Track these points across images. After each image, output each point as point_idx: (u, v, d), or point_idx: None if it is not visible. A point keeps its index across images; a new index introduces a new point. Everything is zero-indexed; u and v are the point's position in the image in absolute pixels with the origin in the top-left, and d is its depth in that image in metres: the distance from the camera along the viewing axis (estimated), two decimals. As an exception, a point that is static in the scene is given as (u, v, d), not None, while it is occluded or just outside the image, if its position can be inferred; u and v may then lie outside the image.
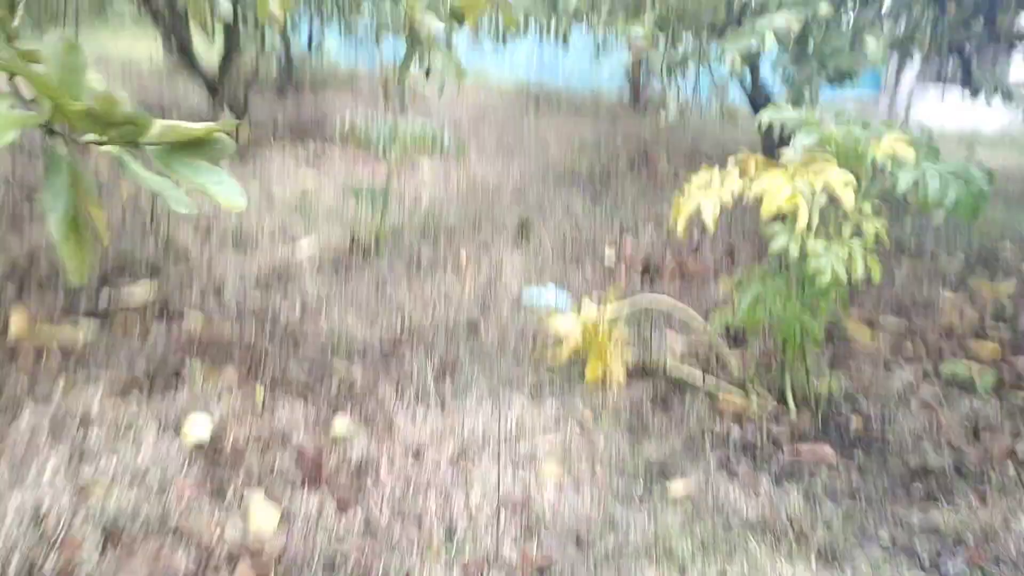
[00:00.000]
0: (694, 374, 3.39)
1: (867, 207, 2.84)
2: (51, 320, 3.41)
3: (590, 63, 12.87)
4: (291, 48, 10.52)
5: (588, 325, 3.33)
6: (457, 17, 2.99)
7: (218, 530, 2.22)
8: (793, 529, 2.48)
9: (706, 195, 2.92)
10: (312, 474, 2.54)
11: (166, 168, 1.47)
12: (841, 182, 2.71)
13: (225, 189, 1.50)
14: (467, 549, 2.29)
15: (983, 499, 2.66)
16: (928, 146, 2.95)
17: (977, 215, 2.69)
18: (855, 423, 3.12)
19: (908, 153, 2.82)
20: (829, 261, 2.68)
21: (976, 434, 3.09)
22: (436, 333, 3.71)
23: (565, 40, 9.42)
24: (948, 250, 5.54)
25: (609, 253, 5.05)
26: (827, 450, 2.92)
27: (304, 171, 6.52)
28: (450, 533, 2.35)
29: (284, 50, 10.39)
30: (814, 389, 3.17)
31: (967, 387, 3.43)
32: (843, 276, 2.69)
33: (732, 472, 2.79)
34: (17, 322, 3.33)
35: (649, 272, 4.77)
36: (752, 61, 5.05)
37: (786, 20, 3.44)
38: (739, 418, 3.13)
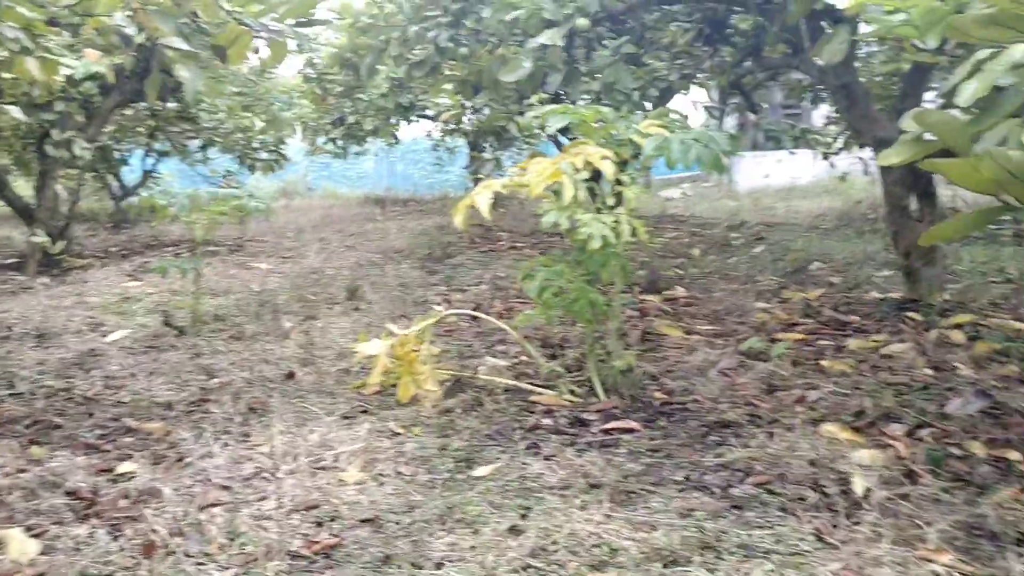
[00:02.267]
0: (505, 380, 3.40)
1: (627, 178, 2.99)
2: None
3: (436, 170, 13.31)
4: (122, 181, 10.40)
5: (396, 346, 3.32)
6: (219, 54, 3.04)
7: (-37, 565, 2.02)
8: (590, 484, 2.47)
9: (480, 191, 3.01)
10: (83, 509, 2.37)
11: None
12: (598, 156, 2.87)
13: None
14: (250, 547, 2.16)
15: (771, 436, 2.73)
16: (680, 125, 3.16)
17: (721, 169, 2.88)
18: (660, 397, 3.18)
19: (661, 131, 3.03)
20: (597, 228, 2.79)
21: (770, 390, 3.21)
22: (249, 385, 3.60)
23: (396, 140, 9.75)
24: (767, 273, 5.87)
25: (438, 308, 5.08)
26: (632, 423, 2.96)
27: (126, 282, 6.34)
28: (234, 536, 2.22)
29: (116, 184, 10.26)
30: (617, 369, 3.23)
31: (763, 358, 3.58)
32: (612, 240, 2.80)
33: (538, 453, 2.77)
34: None
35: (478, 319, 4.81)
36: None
37: (550, 37, 3.67)
38: (550, 412, 3.15)
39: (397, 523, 2.30)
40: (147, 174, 10.65)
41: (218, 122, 8.00)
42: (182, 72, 3.16)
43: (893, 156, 1.74)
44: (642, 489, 2.44)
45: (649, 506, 2.33)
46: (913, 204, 4.50)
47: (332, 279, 6.16)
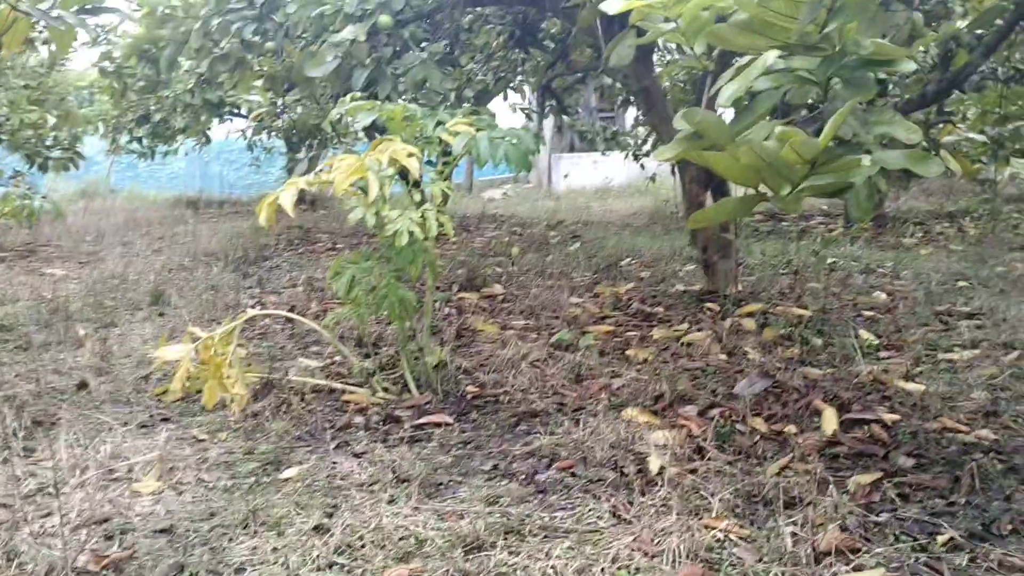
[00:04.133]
0: (317, 381, 3.35)
1: (435, 175, 3.02)
2: None
3: (254, 171, 12.85)
4: None
5: (201, 350, 3.18)
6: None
7: None
8: (398, 478, 2.48)
9: (286, 188, 2.95)
10: None
11: None
12: (404, 153, 2.88)
13: None
14: (28, 567, 2.01)
15: (577, 423, 2.85)
16: (488, 124, 3.23)
17: (528, 167, 2.98)
18: (472, 390, 3.24)
19: (468, 129, 3.08)
20: (404, 224, 2.80)
21: (578, 379, 3.34)
22: (35, 398, 3.34)
23: (207, 140, 9.32)
24: (581, 270, 6.08)
25: (251, 311, 4.92)
26: (445, 417, 3.00)
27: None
28: (13, 556, 2.05)
29: None
30: (429, 365, 3.25)
31: (572, 349, 3.72)
32: (420, 235, 2.82)
33: (349, 451, 2.75)
34: None
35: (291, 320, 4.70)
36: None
37: (353, 32, 3.65)
38: (363, 410, 3.13)
39: (195, 531, 2.21)
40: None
41: (2, 117, 7.34)
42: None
43: (667, 152, 1.86)
44: (451, 480, 2.48)
45: (457, 496, 2.37)
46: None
47: (135, 284, 5.83)
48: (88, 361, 3.87)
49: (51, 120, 7.82)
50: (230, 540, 2.14)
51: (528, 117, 8.51)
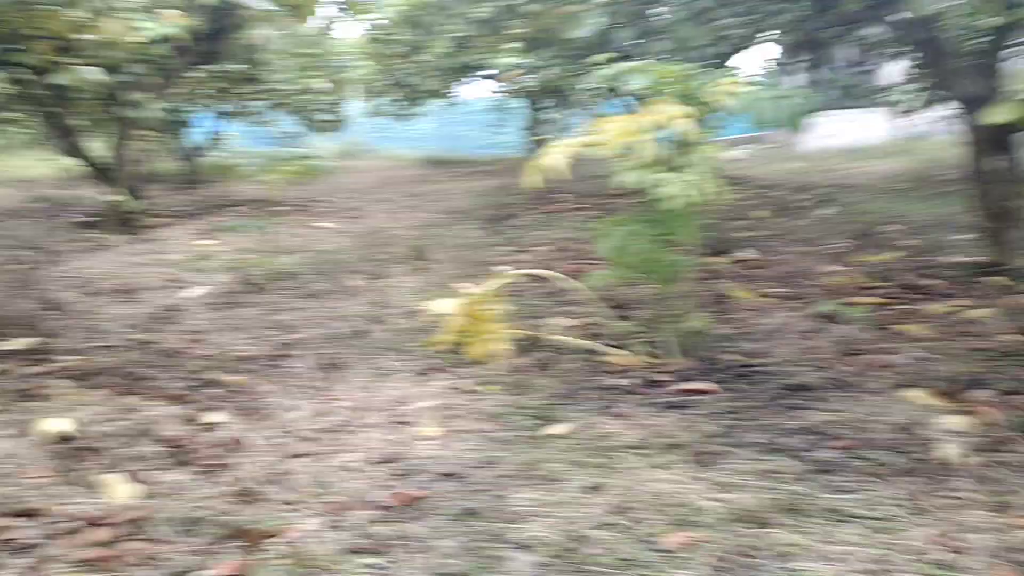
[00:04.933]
0: (578, 340, 3.41)
1: (707, 136, 2.95)
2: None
3: (492, 131, 13.25)
4: (190, 142, 10.59)
5: (468, 305, 3.35)
6: (294, 12, 3.05)
7: (69, 506, 2.12)
8: (668, 444, 2.47)
9: (556, 150, 3.00)
10: (178, 455, 2.46)
11: None
12: (680, 114, 2.82)
13: None
14: (335, 496, 2.22)
15: (854, 401, 2.70)
16: (764, 84, 3.10)
17: (798, 126, 2.83)
18: (735, 359, 3.16)
19: (739, 89, 2.97)
20: (677, 187, 2.76)
21: (849, 354, 3.16)
22: (322, 342, 3.68)
23: (455, 101, 9.68)
24: (837, 236, 5.74)
25: (503, 268, 5.10)
26: (707, 385, 2.95)
27: (199, 240, 6.48)
28: (320, 486, 2.28)
29: (185, 144, 10.45)
30: (690, 331, 3.21)
31: (837, 320, 3.52)
32: (694, 198, 2.77)
33: (612, 412, 2.79)
34: None
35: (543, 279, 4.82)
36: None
37: None
38: (623, 372, 3.15)
39: (478, 478, 2.34)
40: (214, 135, 10.82)
41: (284, 83, 8.07)
42: (262, 30, 3.19)
43: (999, 113, 1.68)
44: (722, 450, 2.44)
45: (730, 467, 2.33)
46: (995, 165, 4.35)
47: (396, 239, 6.22)
48: (364, 310, 4.19)
49: (322, 85, 8.50)
50: (511, 490, 2.24)
51: (781, 72, 8.08)
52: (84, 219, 7.67)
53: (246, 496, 2.21)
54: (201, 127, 10.93)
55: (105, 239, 6.54)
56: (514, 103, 11.45)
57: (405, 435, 2.64)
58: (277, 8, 3.00)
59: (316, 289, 4.66)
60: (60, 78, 5.44)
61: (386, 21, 6.91)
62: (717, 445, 2.47)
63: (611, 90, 5.38)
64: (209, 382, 3.17)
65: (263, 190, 9.29)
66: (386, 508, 2.16)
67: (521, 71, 6.09)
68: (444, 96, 10.51)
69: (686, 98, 2.98)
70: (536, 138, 10.90)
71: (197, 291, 4.64)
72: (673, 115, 2.83)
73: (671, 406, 2.79)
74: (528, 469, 2.35)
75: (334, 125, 9.07)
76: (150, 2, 4.68)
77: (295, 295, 4.55)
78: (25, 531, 1.98)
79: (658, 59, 4.17)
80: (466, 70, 8.94)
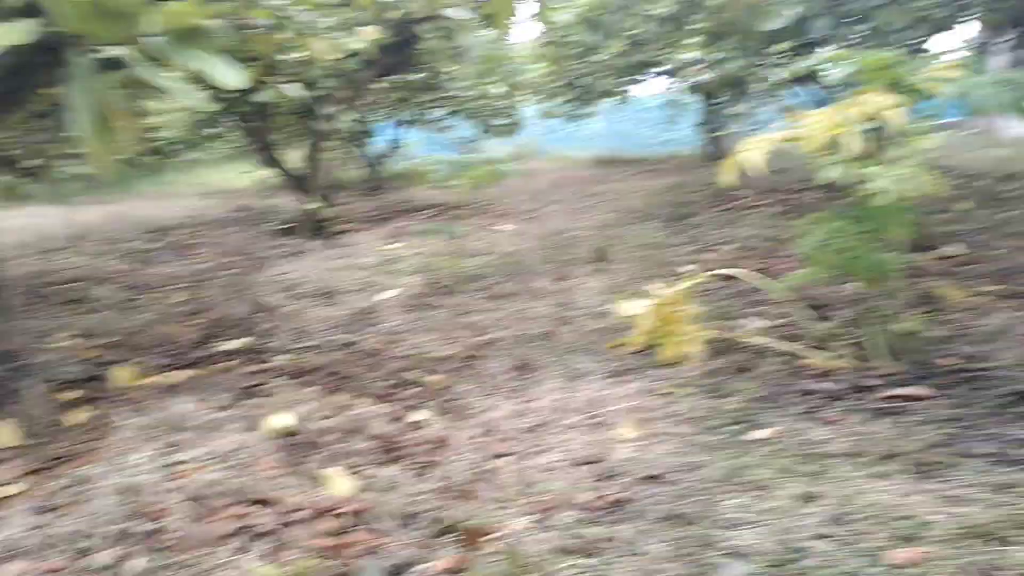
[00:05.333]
0: (774, 342, 3.29)
1: (920, 128, 2.77)
2: (152, 373, 3.62)
3: (664, 128, 13.06)
4: (373, 150, 11.12)
5: (660, 306, 3.32)
6: (489, 20, 3.13)
7: (298, 497, 2.27)
8: (885, 453, 2.34)
9: (751, 148, 2.92)
10: (389, 452, 2.58)
11: (168, 57, 1.59)
12: (889, 105, 2.67)
13: (223, 71, 1.61)
14: (543, 496, 2.26)
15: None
16: (973, 68, 2.88)
17: (1021, 112, 2.61)
18: (948, 362, 2.95)
19: (954, 74, 2.78)
20: (889, 182, 2.62)
21: (1087, 359, 2.88)
22: (513, 343, 3.75)
23: (628, 100, 9.61)
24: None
25: (688, 269, 5.02)
26: (921, 390, 2.77)
27: (387, 244, 6.78)
28: (526, 485, 2.33)
29: (369, 153, 10.99)
30: (898, 333, 3.03)
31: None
32: (905, 193, 2.61)
33: (819, 418, 2.67)
34: (122, 374, 3.56)
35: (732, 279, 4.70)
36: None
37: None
38: (825, 375, 3.02)
39: (681, 482, 2.31)
40: (394, 143, 11.31)
41: (462, 90, 8.33)
42: (464, 40, 3.30)
43: None
44: (946, 461, 2.28)
45: (957, 479, 2.17)
46: None
47: (575, 240, 6.25)
48: (550, 311, 4.24)
49: (498, 90, 8.70)
50: (718, 495, 2.20)
51: (982, 53, 7.49)
52: (282, 226, 8.22)
53: (456, 493, 2.29)
54: (383, 135, 11.46)
55: (302, 245, 6.98)
56: (688, 99, 11.25)
57: (603, 436, 2.64)
58: (474, 17, 3.10)
59: (502, 291, 4.76)
60: (263, 95, 5.86)
61: (562, 23, 6.97)
62: (940, 455, 2.31)
63: (805, 80, 5.19)
64: (410, 382, 3.31)
65: (443, 194, 9.61)
66: (592, 509, 2.17)
67: (701, 66, 5.97)
68: (617, 95, 10.46)
69: (895, 86, 2.82)
70: (713, 134, 10.65)
71: (389, 294, 4.86)
72: (882, 105, 2.68)
73: (883, 412, 2.65)
74: (734, 475, 2.30)
75: (510, 129, 9.26)
76: (346, 19, 4.95)
77: (483, 297, 4.67)
78: (262, 518, 2.14)
79: (854, 46, 3.97)
80: (640, 68, 8.87)
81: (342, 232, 7.53)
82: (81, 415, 3.08)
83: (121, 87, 1.63)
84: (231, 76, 1.61)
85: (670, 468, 2.38)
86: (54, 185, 9.16)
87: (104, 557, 1.96)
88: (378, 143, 11.57)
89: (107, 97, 1.57)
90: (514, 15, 3.22)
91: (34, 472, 2.56)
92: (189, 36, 1.60)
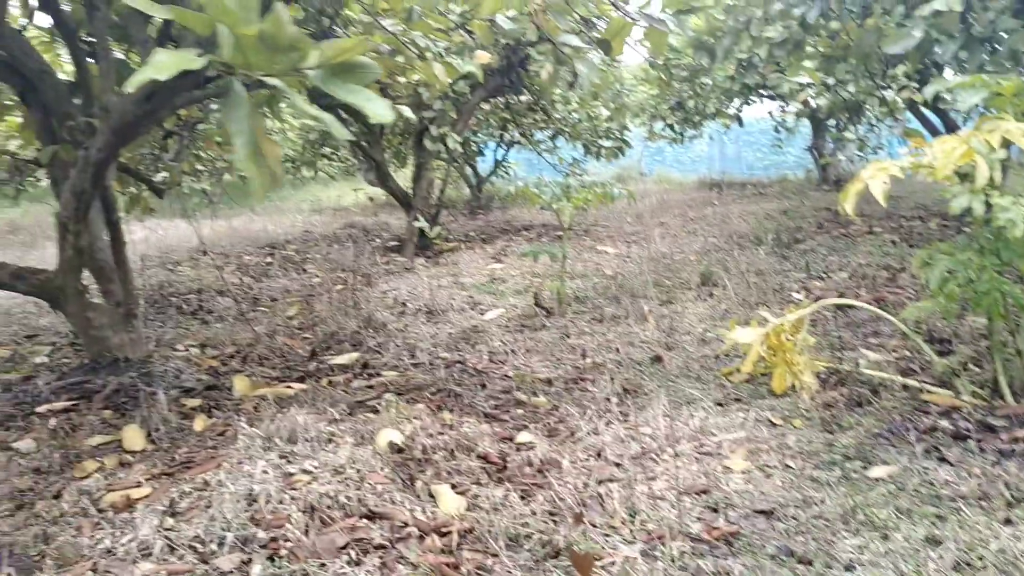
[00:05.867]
0: (893, 376, 3.18)
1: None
2: (267, 384, 3.76)
3: (773, 152, 12.82)
4: (477, 171, 11.30)
5: (771, 335, 3.24)
6: (604, 47, 3.16)
7: (408, 512, 2.32)
8: (1014, 497, 2.23)
9: (874, 175, 2.83)
10: (495, 472, 2.61)
11: (326, 89, 1.67)
12: (1020, 133, 2.56)
13: (375, 106, 1.68)
14: (650, 524, 2.24)
15: None
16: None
17: None
18: (1088, 405, 2.79)
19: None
20: (1019, 212, 2.50)
21: None
22: (618, 367, 3.74)
23: (739, 123, 9.48)
24: None
25: (798, 296, 4.90)
26: (1055, 433, 2.62)
27: (491, 264, 6.87)
28: (633, 512, 2.31)
29: (472, 173, 11.17)
30: (1029, 372, 2.88)
31: None
32: (1038, 227, 2.49)
33: (940, 458, 2.56)
34: (240, 385, 3.72)
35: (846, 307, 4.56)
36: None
37: (946, 3, 3.31)
38: (946, 413, 2.89)
39: (794, 517, 2.25)
40: (498, 163, 11.46)
41: (569, 112, 8.39)
42: (579, 66, 3.34)
43: None
44: (1081, 509, 2.15)
45: (1099, 529, 2.05)
46: None
47: (681, 264, 6.19)
48: (655, 336, 4.21)
49: (605, 112, 8.73)
50: (833, 534, 2.13)
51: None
52: (389, 244, 8.44)
53: (563, 517, 2.29)
54: (487, 156, 11.63)
55: (409, 262, 7.15)
56: (798, 122, 11.01)
57: (711, 467, 2.60)
58: (588, 45, 3.14)
59: (606, 314, 4.75)
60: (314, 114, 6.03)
61: (672, 46, 6.95)
62: (1075, 504, 2.18)
63: (925, 105, 5.00)
64: (515, 402, 3.34)
65: (546, 215, 9.66)
66: (702, 541, 2.14)
67: (814, 90, 5.85)
68: (725, 117, 10.33)
69: (1027, 113, 2.69)
70: (823, 159, 10.38)
71: (494, 313, 4.92)
72: (1013, 134, 2.56)
73: (1011, 454, 2.51)
74: (851, 513, 2.22)
75: (614, 151, 9.28)
76: (459, 44, 5.06)
77: (586, 319, 4.67)
78: (374, 532, 2.19)
79: (978, 70, 3.82)
80: (750, 91, 8.73)
81: (447, 251, 7.68)
82: (201, 422, 3.22)
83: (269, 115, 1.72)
84: (381, 110, 1.67)
85: (783, 503, 2.32)
86: (176, 200, 9.65)
87: (226, 562, 2.04)
88: (482, 164, 11.75)
89: (259, 124, 1.66)
90: (624, 43, 3.23)
91: (159, 476, 2.69)
92: (345, 70, 1.68)
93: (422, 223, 7.28)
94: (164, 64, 1.46)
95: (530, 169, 13.31)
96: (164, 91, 3.14)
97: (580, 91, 5.18)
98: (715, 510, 2.32)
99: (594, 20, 3.62)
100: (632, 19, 3.12)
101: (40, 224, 10.86)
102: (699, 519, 2.27)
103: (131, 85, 1.44)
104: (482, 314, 4.95)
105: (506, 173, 11.90)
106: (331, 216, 11.44)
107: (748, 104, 10.15)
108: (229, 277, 6.88)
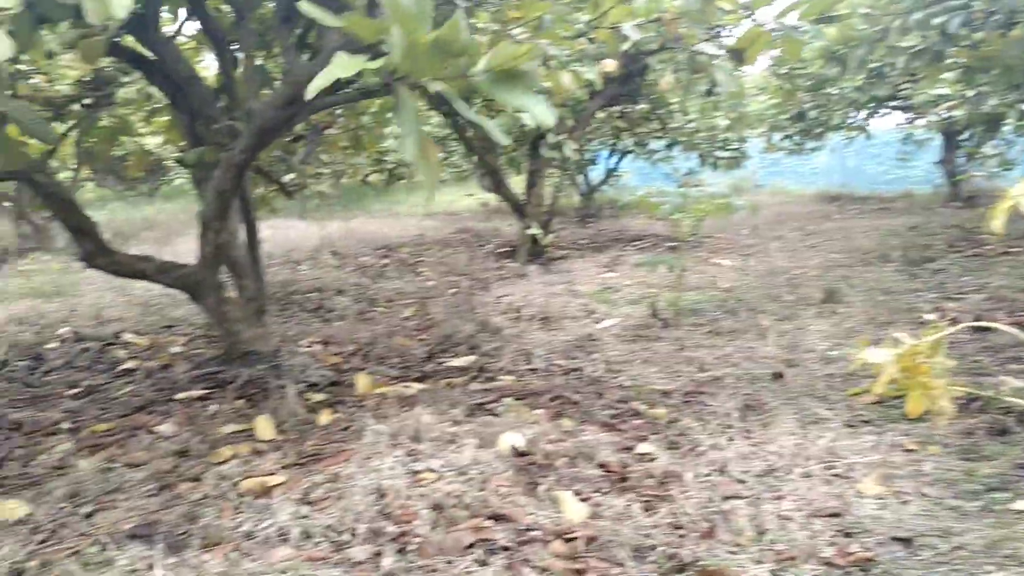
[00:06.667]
0: (1036, 405, 3.00)
1: None
2: (387, 382, 3.85)
3: (897, 165, 12.33)
4: (589, 179, 11.30)
5: (905, 355, 3.12)
6: (736, 55, 3.11)
7: (532, 516, 2.33)
8: None
9: (1026, 192, 2.68)
10: (616, 482, 2.60)
11: (491, 94, 1.70)
12: None
13: (540, 110, 1.70)
14: (779, 545, 2.18)
15: None
16: None
17: None
18: None
19: None
20: None
21: None
22: (738, 381, 3.66)
23: (867, 134, 9.15)
24: None
25: (930, 317, 4.68)
26: None
27: (604, 273, 6.84)
28: (760, 532, 2.26)
29: (584, 181, 11.18)
30: None
31: None
32: None
33: (1098, 494, 2.41)
34: (362, 382, 3.82)
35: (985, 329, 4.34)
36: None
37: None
38: (1104, 447, 2.71)
39: (932, 547, 2.15)
40: (610, 172, 11.42)
41: (687, 122, 8.30)
42: (717, 75, 3.30)
43: None
44: None
45: None
46: None
47: (800, 279, 6.02)
48: (775, 352, 4.11)
49: (723, 122, 8.58)
50: (975, 568, 2.03)
51: None
52: (500, 249, 8.53)
53: (688, 531, 2.27)
54: (599, 164, 11.61)
55: (521, 268, 7.20)
56: (927, 135, 10.54)
57: (843, 489, 2.52)
58: (723, 53, 3.10)
59: (723, 327, 4.67)
60: (496, 123, 6.12)
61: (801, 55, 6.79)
62: None
63: None
64: (633, 412, 3.32)
65: (658, 225, 9.56)
66: (835, 566, 2.07)
67: (951, 102, 5.59)
68: (848, 129, 9.99)
69: None
70: (955, 174, 9.91)
71: (609, 322, 4.90)
72: None
73: None
74: (995, 547, 2.11)
75: (732, 162, 9.10)
76: (582, 52, 5.08)
77: (703, 332, 4.60)
78: (499, 534, 2.21)
79: None
80: (879, 102, 8.42)
81: (559, 258, 7.70)
82: (326, 417, 3.33)
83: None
84: (545, 115, 1.71)
85: (920, 531, 2.23)
86: (297, 200, 10.01)
87: (359, 552, 2.11)
88: (594, 172, 11.73)
89: (422, 127, 1.72)
90: (759, 51, 3.17)
91: (290, 466, 2.80)
92: (511, 76, 1.71)
93: (535, 230, 7.32)
94: (346, 65, 1.53)
95: (640, 179, 13.21)
96: (300, 97, 3.27)
97: (716, 99, 5.11)
98: (847, 534, 2.25)
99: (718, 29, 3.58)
100: (771, 28, 3.06)
101: (172, 221, 11.47)
102: (831, 543, 2.20)
103: (313, 87, 1.51)
104: (596, 323, 4.93)
105: (616, 183, 11.84)
106: (443, 220, 11.64)
107: (875, 115, 9.78)
108: (347, 277, 7.08)
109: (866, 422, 3.13)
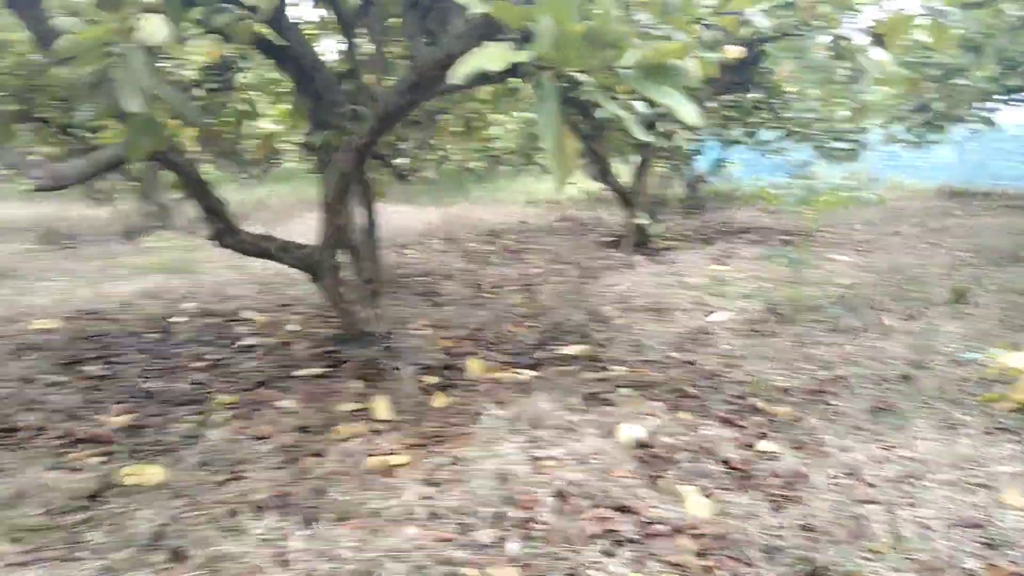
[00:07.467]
0: None
1: None
2: (499, 368, 3.87)
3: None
4: (696, 170, 11.08)
5: (1050, 362, 2.94)
6: (879, 41, 2.97)
7: (655, 510, 2.30)
8: None
9: None
10: (741, 479, 2.53)
11: (638, 89, 1.67)
12: None
13: (687, 109, 1.66)
14: (919, 554, 2.09)
15: None
16: None
17: None
18: None
19: None
20: None
21: None
22: (863, 381, 3.52)
23: (991, 125, 8.65)
24: None
25: (1070, 322, 4.41)
26: None
27: (713, 265, 6.70)
28: (897, 538, 2.17)
29: (691, 172, 10.97)
30: None
31: None
32: None
33: None
34: (475, 366, 3.85)
35: None
36: None
37: None
38: None
39: (1090, 568, 2.02)
40: (718, 162, 11.16)
41: (805, 111, 8.02)
42: (862, 61, 3.18)
43: None
44: None
45: None
46: None
47: (924, 277, 5.75)
48: (901, 352, 3.93)
49: (841, 113, 8.26)
50: None
51: None
52: (605, 238, 8.45)
53: (821, 534, 2.19)
54: (707, 154, 11.36)
55: (627, 258, 7.12)
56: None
57: (985, 499, 2.39)
58: (868, 39, 2.97)
59: (845, 324, 4.50)
60: (607, 112, 6.05)
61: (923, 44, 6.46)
62: None
63: None
64: (754, 408, 3.23)
65: (767, 217, 9.31)
66: (980, 579, 1.97)
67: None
68: (978, 121, 9.46)
69: None
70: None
71: (721, 315, 4.79)
72: None
73: None
74: None
75: (850, 154, 8.76)
76: (695, 38, 4.96)
77: (822, 329, 4.44)
78: (624, 526, 2.19)
79: None
80: (1008, 93, 7.93)
81: (665, 249, 7.58)
82: (441, 399, 3.37)
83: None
84: (691, 115, 1.67)
85: (1076, 550, 2.09)
86: (402, 186, 10.16)
87: (485, 536, 2.12)
88: (701, 162, 11.49)
89: (561, 118, 1.70)
90: (897, 40, 3.02)
91: (412, 447, 2.84)
92: (660, 71, 1.68)
93: (643, 219, 7.23)
94: (493, 56, 1.52)
95: (748, 170, 12.85)
96: (421, 84, 3.29)
97: (840, 86, 4.92)
98: (992, 547, 2.13)
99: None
100: (920, 13, 2.91)
101: (283, 204, 11.82)
102: (974, 555, 2.09)
103: (458, 75, 1.51)
104: (710, 315, 4.83)
105: (722, 173, 11.55)
106: (546, 209, 11.62)
107: (1007, 106, 9.23)
108: (453, 262, 7.15)
109: (1004, 429, 2.96)
